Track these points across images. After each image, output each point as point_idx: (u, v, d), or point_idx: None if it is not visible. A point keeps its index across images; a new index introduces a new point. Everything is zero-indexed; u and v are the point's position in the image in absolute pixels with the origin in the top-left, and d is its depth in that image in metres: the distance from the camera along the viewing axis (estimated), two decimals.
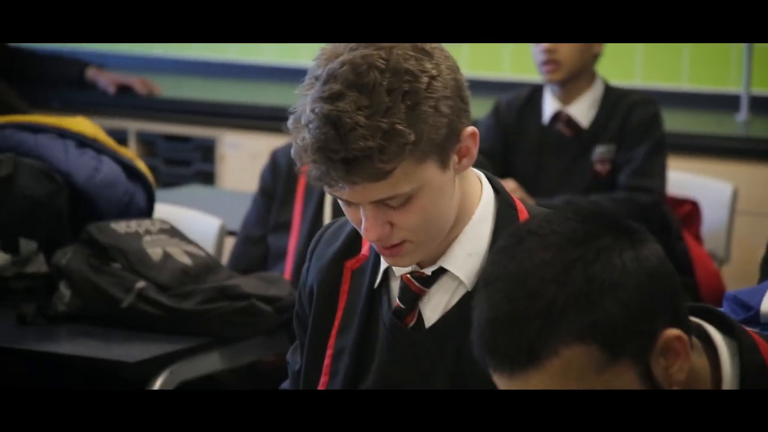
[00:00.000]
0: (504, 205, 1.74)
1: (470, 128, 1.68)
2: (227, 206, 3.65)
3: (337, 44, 1.63)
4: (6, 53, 5.04)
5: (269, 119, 4.73)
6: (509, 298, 1.34)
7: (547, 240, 1.36)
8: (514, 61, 4.94)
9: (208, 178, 4.90)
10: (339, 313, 1.79)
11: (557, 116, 3.59)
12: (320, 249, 1.83)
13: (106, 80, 5.03)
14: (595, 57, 3.52)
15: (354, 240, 1.80)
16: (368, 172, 1.58)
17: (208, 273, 2.66)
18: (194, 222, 3.12)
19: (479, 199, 1.74)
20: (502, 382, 1.36)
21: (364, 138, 1.57)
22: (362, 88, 1.58)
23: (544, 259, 1.34)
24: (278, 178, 3.22)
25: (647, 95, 3.64)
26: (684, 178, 3.78)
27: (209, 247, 3.03)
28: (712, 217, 3.72)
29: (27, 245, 2.70)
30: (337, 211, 3.12)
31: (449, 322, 1.72)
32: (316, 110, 1.59)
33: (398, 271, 1.75)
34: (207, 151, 4.91)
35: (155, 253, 2.62)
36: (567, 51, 3.46)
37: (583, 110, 3.57)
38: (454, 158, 1.67)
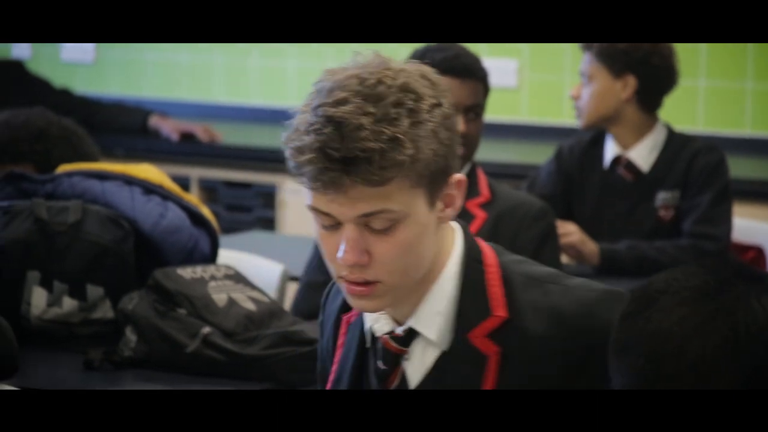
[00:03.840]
0: (470, 260, 1.69)
1: (459, 175, 1.66)
2: (289, 252, 3.65)
3: (344, 65, 1.63)
4: (71, 102, 5.10)
5: None
6: (654, 360, 1.32)
7: (681, 296, 1.34)
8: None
9: (268, 224, 4.92)
10: (334, 367, 1.78)
11: (617, 160, 3.59)
12: (329, 302, 1.82)
13: (169, 128, 5.08)
14: (626, 100, 3.51)
15: None
16: (366, 174, 1.55)
17: (272, 319, 2.66)
18: (256, 268, 3.13)
19: (449, 255, 1.69)
20: None
21: (367, 139, 1.55)
22: (369, 97, 1.57)
23: (682, 315, 1.32)
24: None
25: (711, 142, 3.62)
26: (748, 224, 3.75)
27: (272, 292, 3.04)
28: None
29: (94, 291, 2.72)
30: None
31: (428, 386, 1.67)
32: (320, 113, 1.57)
33: (378, 331, 1.71)
34: (268, 197, 4.93)
35: (220, 299, 2.64)
36: (584, 98, 3.51)
37: (643, 155, 3.56)
38: (440, 204, 1.64)
